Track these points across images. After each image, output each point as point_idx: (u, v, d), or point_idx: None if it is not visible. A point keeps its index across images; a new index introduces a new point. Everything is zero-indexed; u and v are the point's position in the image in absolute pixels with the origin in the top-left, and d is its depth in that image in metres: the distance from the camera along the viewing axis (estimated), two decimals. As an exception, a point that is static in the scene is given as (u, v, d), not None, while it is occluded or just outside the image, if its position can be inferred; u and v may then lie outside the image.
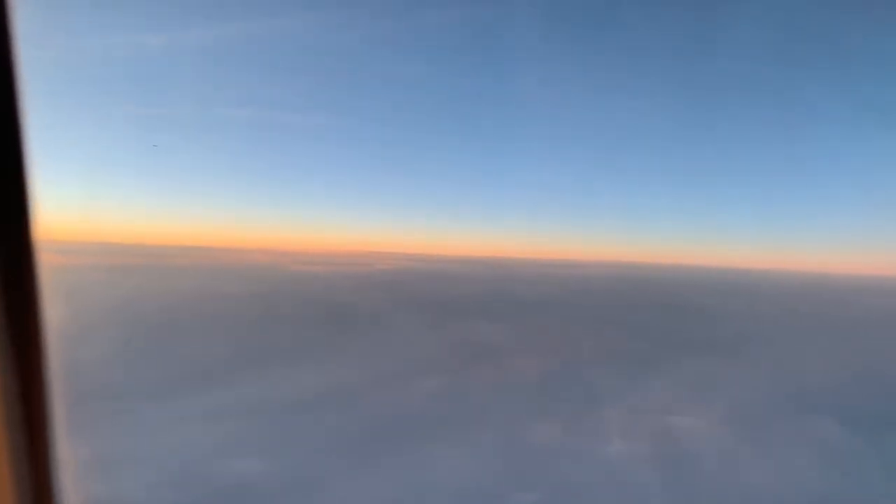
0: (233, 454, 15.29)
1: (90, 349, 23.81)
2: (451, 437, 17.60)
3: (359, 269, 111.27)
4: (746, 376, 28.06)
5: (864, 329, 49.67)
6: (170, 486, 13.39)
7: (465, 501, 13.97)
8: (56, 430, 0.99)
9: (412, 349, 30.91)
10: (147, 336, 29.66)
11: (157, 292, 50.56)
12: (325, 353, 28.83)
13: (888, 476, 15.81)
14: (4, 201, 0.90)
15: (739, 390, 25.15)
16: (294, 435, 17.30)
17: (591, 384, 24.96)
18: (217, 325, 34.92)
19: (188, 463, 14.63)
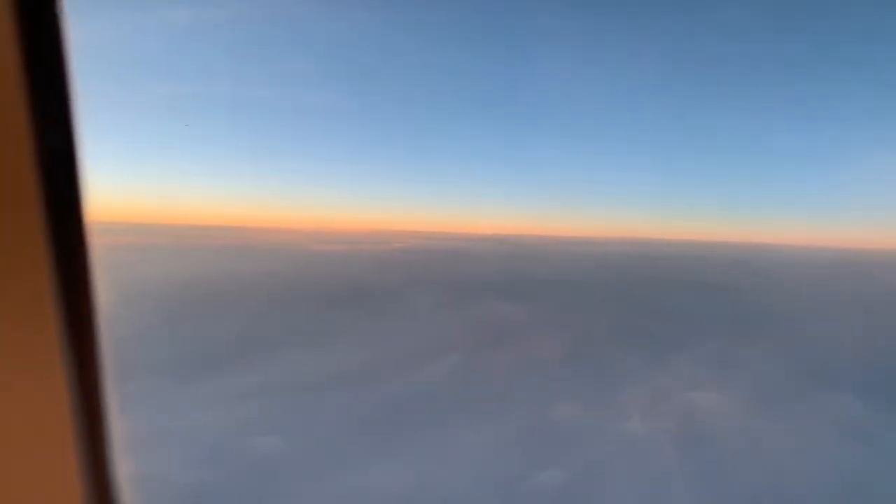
0: (265, 431, 16.11)
1: (133, 327, 24.74)
2: (475, 415, 18.04)
3: (378, 248, 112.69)
4: (769, 353, 27.52)
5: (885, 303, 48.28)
6: (208, 462, 14.24)
7: (490, 476, 14.36)
8: (111, 407, 1.02)
9: (436, 328, 31.46)
10: (186, 315, 30.88)
11: (189, 273, 51.92)
12: (354, 333, 29.72)
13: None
14: (56, 184, 0.90)
15: (762, 367, 24.84)
16: (323, 413, 18.10)
17: (613, 361, 24.98)
18: (253, 305, 36.28)
19: (228, 439, 15.52)
